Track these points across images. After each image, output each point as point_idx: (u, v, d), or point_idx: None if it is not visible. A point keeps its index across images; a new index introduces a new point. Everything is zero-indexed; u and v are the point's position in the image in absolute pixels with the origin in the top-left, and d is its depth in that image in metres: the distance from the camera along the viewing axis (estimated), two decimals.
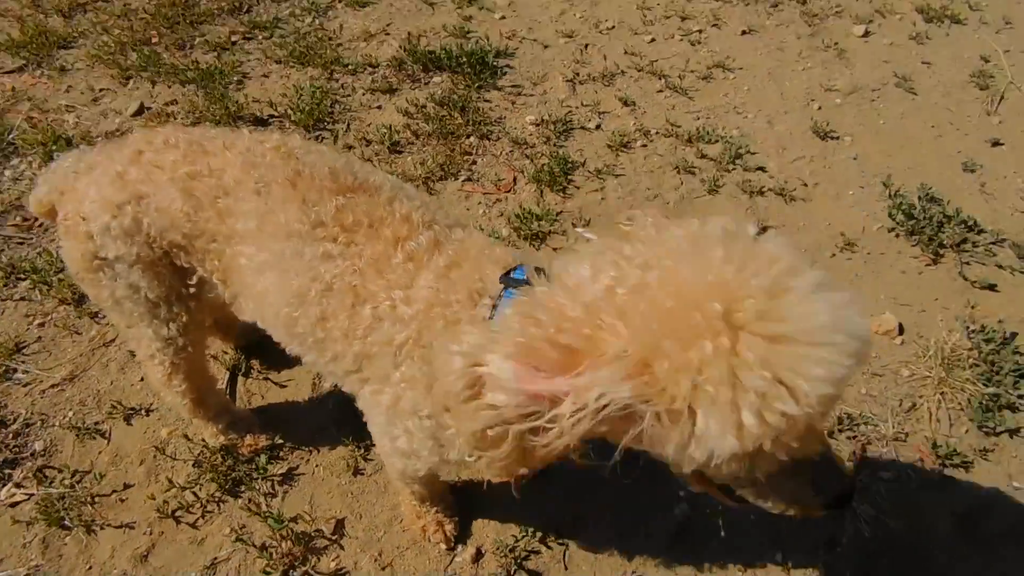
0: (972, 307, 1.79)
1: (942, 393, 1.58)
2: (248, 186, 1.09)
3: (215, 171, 1.11)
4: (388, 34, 2.61)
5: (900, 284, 1.86)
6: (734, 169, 2.15)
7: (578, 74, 2.48)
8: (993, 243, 1.94)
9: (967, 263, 1.89)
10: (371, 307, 0.99)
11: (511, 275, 0.93)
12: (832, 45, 2.70)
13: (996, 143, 2.29)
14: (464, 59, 2.42)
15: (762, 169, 2.16)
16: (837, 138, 2.30)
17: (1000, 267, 1.90)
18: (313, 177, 1.08)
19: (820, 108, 2.41)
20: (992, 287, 1.84)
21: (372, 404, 1.10)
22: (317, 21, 2.65)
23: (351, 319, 1.01)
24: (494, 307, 0.91)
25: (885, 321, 1.74)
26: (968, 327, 1.70)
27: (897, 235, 1.98)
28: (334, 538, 1.37)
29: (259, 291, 1.10)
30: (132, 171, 1.13)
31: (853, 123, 2.36)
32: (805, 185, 2.12)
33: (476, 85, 2.36)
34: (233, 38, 2.52)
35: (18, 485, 1.42)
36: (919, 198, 2.06)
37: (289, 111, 2.21)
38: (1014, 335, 1.68)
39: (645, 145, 2.22)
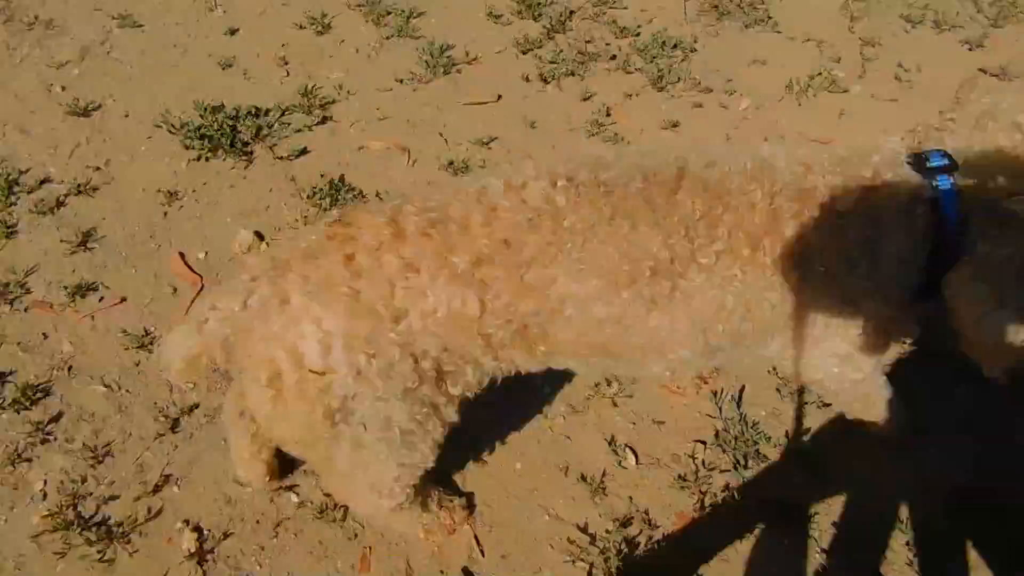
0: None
1: None
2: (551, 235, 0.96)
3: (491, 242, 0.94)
4: None
5: (237, 199, 2.07)
6: None
7: None
8: (282, 116, 2.27)
9: (273, 146, 2.18)
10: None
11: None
12: None
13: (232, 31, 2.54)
14: None
15: None
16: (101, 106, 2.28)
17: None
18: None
19: (65, 89, 2.33)
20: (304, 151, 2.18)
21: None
22: None
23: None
24: None
25: (242, 239, 1.95)
26: None
27: (208, 160, 2.14)
28: None
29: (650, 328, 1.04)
30: (364, 287, 0.92)
31: (103, 84, 2.36)
32: None
33: None
34: None
35: None
36: (201, 114, 2.22)
37: None
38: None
39: None
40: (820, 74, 2.48)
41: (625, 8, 2.76)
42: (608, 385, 1.74)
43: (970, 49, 2.59)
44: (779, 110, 2.41)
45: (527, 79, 2.50)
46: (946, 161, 1.04)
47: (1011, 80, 2.41)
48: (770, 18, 2.70)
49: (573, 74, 2.52)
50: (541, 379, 1.57)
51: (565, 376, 1.67)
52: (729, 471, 1.61)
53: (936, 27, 2.65)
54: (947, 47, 2.60)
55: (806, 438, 1.69)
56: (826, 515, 1.55)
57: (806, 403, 1.73)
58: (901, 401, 1.48)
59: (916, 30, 2.66)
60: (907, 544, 1.50)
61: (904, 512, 1.56)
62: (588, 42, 2.63)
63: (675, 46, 2.59)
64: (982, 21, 2.67)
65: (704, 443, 1.69)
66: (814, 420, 1.71)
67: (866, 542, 1.52)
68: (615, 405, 1.71)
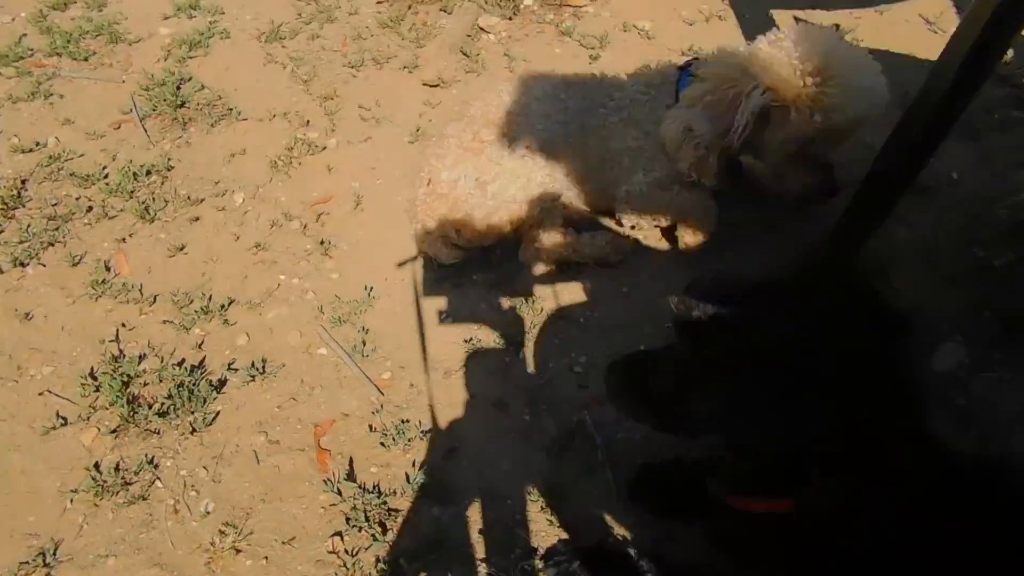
0: None
1: None
2: None
3: None
4: None
5: None
6: None
7: None
8: None
9: None
10: None
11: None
12: None
13: None
14: None
15: None
16: None
17: None
18: None
19: None
20: None
21: None
22: None
23: None
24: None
25: None
26: None
27: None
28: None
29: None
30: None
31: None
32: None
33: None
34: None
35: None
36: None
37: None
38: None
39: None
40: (296, 143, 2.55)
41: (81, 155, 2.56)
42: (224, 536, 1.66)
43: (409, 72, 2.85)
44: (274, 189, 2.44)
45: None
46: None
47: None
48: (231, 109, 2.71)
49: (52, 244, 2.28)
50: None
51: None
52: (371, 545, 1.65)
53: (376, 64, 2.88)
54: (392, 77, 2.84)
55: (426, 477, 1.75)
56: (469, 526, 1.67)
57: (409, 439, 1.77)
58: None
59: (362, 72, 2.86)
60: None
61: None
62: (55, 205, 2.40)
63: (149, 172, 2.48)
64: (409, 47, 2.96)
65: (340, 533, 1.69)
66: (416, 452, 1.74)
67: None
68: (239, 552, 1.65)
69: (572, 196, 2.19)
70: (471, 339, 2.02)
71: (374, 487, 1.77)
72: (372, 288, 2.16)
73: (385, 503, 1.74)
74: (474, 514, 1.71)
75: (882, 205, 1.87)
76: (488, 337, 2.02)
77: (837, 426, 0.86)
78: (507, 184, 2.03)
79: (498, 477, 1.76)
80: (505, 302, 2.10)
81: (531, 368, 1.96)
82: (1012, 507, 1.04)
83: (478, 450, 1.81)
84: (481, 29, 3.10)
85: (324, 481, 1.77)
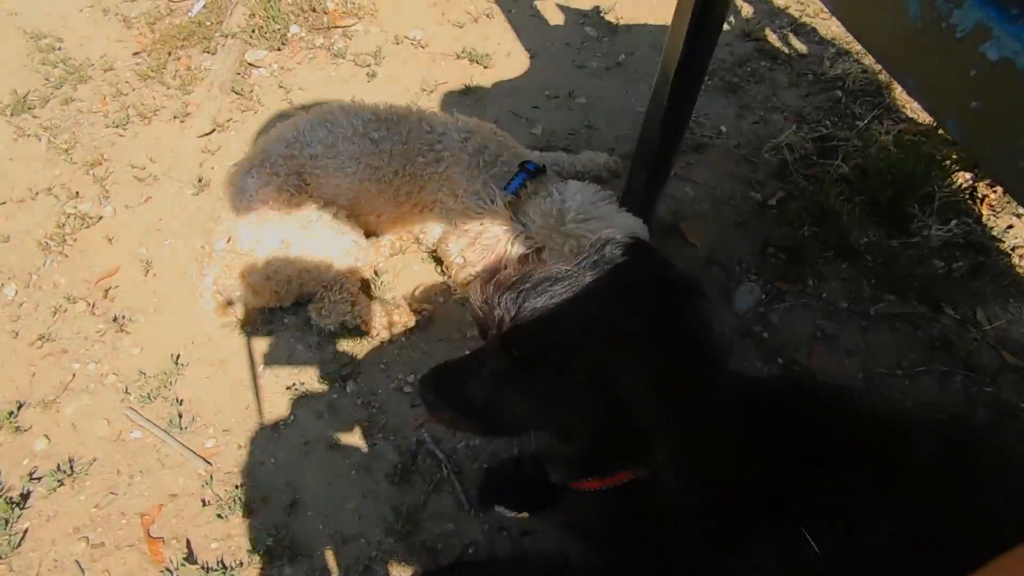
0: None
1: None
2: None
3: None
4: None
5: None
6: None
7: None
8: None
9: None
10: None
11: None
12: None
13: None
14: None
15: None
16: None
17: None
18: None
19: None
20: None
21: None
22: None
23: None
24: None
25: None
26: None
27: None
28: None
29: None
30: None
31: None
32: None
33: None
34: None
35: None
36: None
37: None
38: None
39: None
40: (67, 218, 2.35)
41: None
42: None
43: (181, 121, 2.70)
44: (51, 273, 2.25)
45: None
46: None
47: None
48: None
49: None
50: None
51: None
52: None
53: (143, 118, 2.71)
54: (163, 130, 2.70)
55: (271, 539, 1.61)
56: None
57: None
58: None
59: (129, 129, 2.69)
60: None
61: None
62: None
63: None
64: (176, 96, 2.81)
65: None
66: (256, 516, 1.65)
67: None
68: None
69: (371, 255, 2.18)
70: (293, 385, 1.95)
71: (218, 563, 1.66)
72: (179, 356, 2.03)
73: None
74: (329, 563, 1.65)
75: (658, 169, 1.97)
76: (310, 379, 1.96)
77: (650, 393, 0.89)
78: (312, 248, 1.98)
79: (345, 519, 1.71)
80: (320, 339, 2.04)
81: (360, 400, 1.92)
82: (815, 420, 1.15)
83: (320, 497, 1.75)
84: (250, 64, 2.99)
85: (161, 572, 1.63)
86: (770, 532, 1.21)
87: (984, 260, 2.30)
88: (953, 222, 2.35)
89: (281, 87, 2.90)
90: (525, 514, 1.68)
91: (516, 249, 1.91)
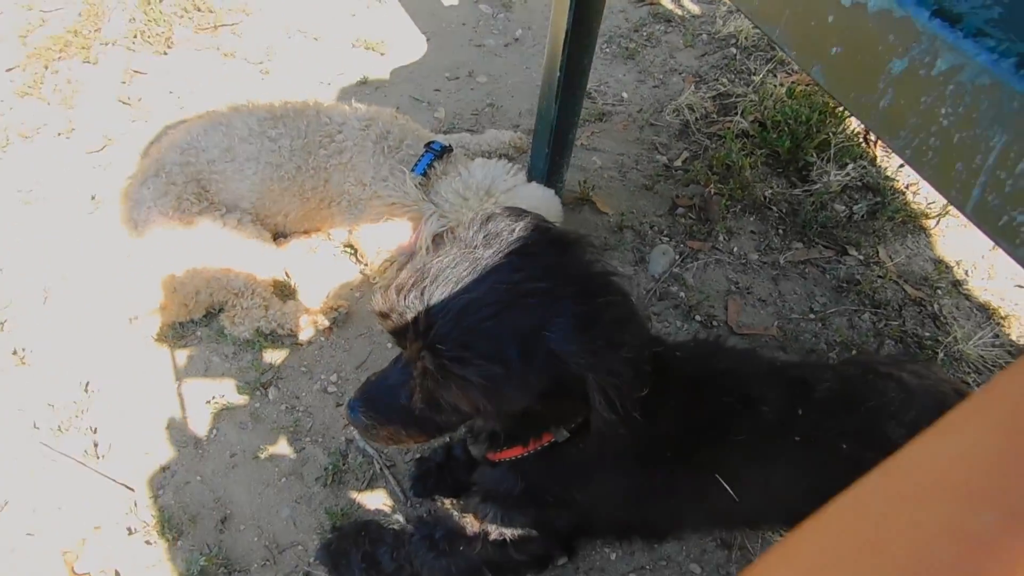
0: None
1: None
2: None
3: None
4: None
5: None
6: None
7: None
8: None
9: None
10: None
11: None
12: None
13: None
14: None
15: None
16: None
17: None
18: None
19: None
20: None
21: None
22: None
23: None
24: None
25: None
26: None
27: None
28: None
29: None
30: None
31: None
32: None
33: None
34: None
35: None
36: None
37: None
38: None
39: None
40: None
41: None
42: None
43: (67, 138, 2.57)
44: None
45: None
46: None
47: None
48: None
49: None
50: None
51: None
52: None
53: (24, 138, 2.57)
54: (48, 149, 2.57)
55: (205, 559, 1.56)
56: None
57: None
58: None
59: (9, 151, 2.54)
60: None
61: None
62: None
63: None
64: (59, 111, 2.67)
65: None
66: (186, 538, 1.60)
67: None
68: None
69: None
70: (213, 398, 1.89)
71: None
72: (88, 383, 1.94)
73: None
74: (266, 575, 1.61)
75: (560, 141, 1.97)
76: (229, 390, 1.90)
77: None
78: (218, 257, 1.92)
79: (280, 528, 1.67)
80: (236, 348, 1.98)
81: (283, 405, 1.87)
82: (721, 376, 1.20)
83: (252, 509, 1.70)
84: (136, 71, 2.86)
85: None
86: (686, 481, 1.25)
87: (881, 200, 2.39)
88: (850, 166, 2.43)
89: (171, 93, 2.78)
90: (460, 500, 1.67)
91: (430, 229, 1.89)
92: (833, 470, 1.23)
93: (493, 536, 1.39)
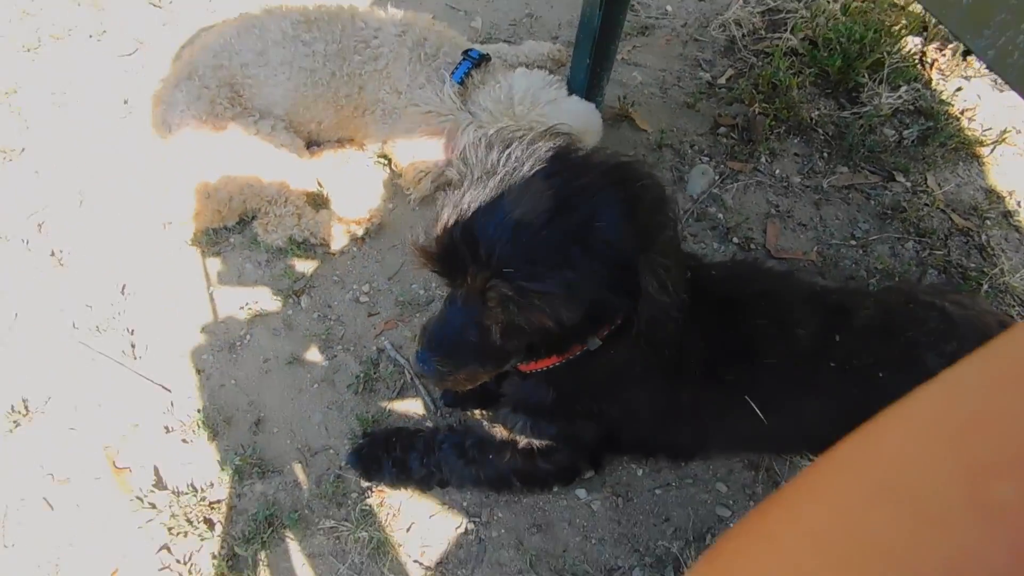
0: None
1: None
2: None
3: None
4: None
5: None
6: None
7: None
8: None
9: None
10: None
11: None
12: None
13: None
14: None
15: None
16: None
17: None
18: None
19: None
20: None
21: None
22: None
23: None
24: None
25: None
26: None
27: None
28: None
29: None
30: None
31: None
32: None
33: None
34: None
35: None
36: None
37: None
38: None
39: None
40: None
41: None
42: None
43: (98, 41, 2.53)
44: None
45: None
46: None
47: None
48: None
49: None
50: None
51: None
52: (201, 545, 1.58)
53: (56, 40, 2.53)
54: (79, 51, 2.55)
55: (239, 459, 1.59)
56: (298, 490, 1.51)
57: None
58: None
59: (40, 56, 2.50)
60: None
61: None
62: None
63: None
64: (89, 11, 2.62)
65: (167, 546, 1.60)
66: (222, 438, 1.63)
67: None
68: None
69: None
70: (246, 304, 1.90)
71: (189, 486, 1.66)
72: (124, 285, 1.96)
73: (204, 499, 1.64)
74: (299, 476, 1.65)
75: (601, 54, 1.90)
76: (263, 297, 1.91)
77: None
78: (251, 164, 1.91)
79: (312, 432, 1.70)
80: (269, 256, 1.98)
81: (316, 313, 1.88)
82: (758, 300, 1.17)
83: (285, 413, 1.73)
84: None
85: (132, 501, 1.62)
86: (715, 401, 1.24)
87: (934, 125, 2.29)
88: (903, 88, 2.32)
89: None
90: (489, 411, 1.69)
91: (467, 139, 1.85)
92: (868, 399, 1.21)
93: (522, 445, 1.41)
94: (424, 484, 1.57)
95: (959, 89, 2.37)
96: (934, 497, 0.22)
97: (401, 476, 1.55)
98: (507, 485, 1.51)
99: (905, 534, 0.22)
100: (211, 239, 2.02)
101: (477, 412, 1.70)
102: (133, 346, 1.87)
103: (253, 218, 2.00)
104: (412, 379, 1.75)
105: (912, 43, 2.43)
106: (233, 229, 2.03)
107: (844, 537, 0.25)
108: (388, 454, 1.56)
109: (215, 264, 1.98)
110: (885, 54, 2.34)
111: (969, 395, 0.25)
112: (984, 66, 2.33)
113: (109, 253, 2.03)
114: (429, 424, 1.70)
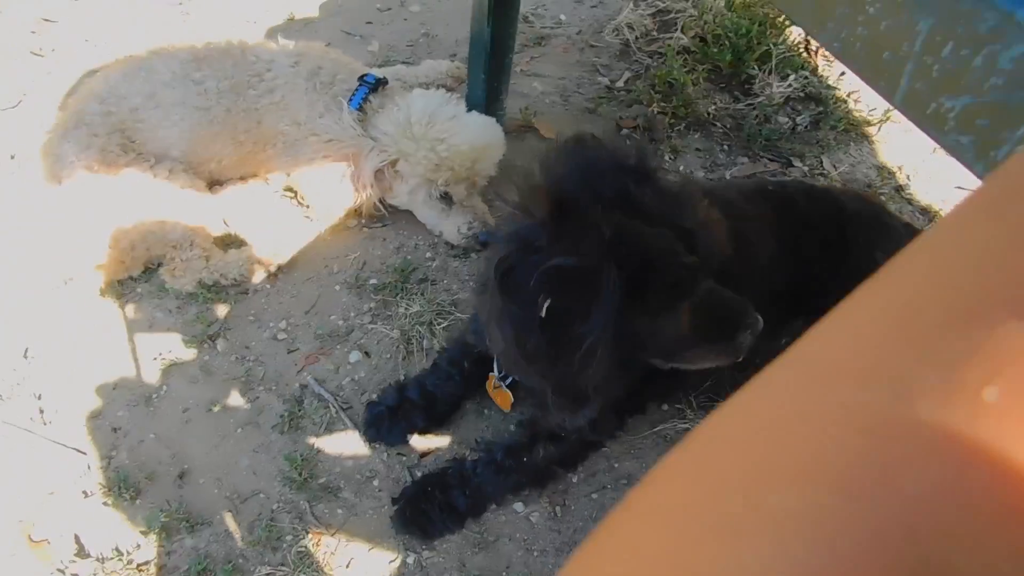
0: None
1: None
2: None
3: None
4: None
5: None
6: None
7: None
8: None
9: None
10: None
11: None
12: None
13: None
14: None
15: None
16: None
17: None
18: None
19: None
20: None
21: None
22: None
23: None
24: None
25: None
26: None
27: None
28: None
29: None
30: None
31: None
32: None
33: None
34: None
35: None
36: None
37: None
38: None
39: None
40: None
41: None
42: None
43: None
44: None
45: None
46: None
47: None
48: None
49: None
50: None
51: None
52: None
53: None
54: None
55: (164, 515, 1.54)
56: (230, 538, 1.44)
57: None
58: None
59: None
60: None
61: None
62: None
63: None
64: None
65: None
66: (144, 496, 1.57)
67: None
68: None
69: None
70: (160, 354, 1.84)
71: (113, 551, 1.59)
72: (27, 349, 1.87)
73: (131, 561, 1.57)
74: (230, 525, 1.60)
75: (495, 67, 1.92)
76: (177, 344, 1.85)
77: None
78: (151, 209, 1.85)
79: (240, 479, 1.66)
80: (180, 302, 1.92)
81: (234, 356, 1.84)
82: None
83: (210, 462, 1.68)
84: (46, 20, 2.69)
85: (53, 574, 1.55)
86: None
87: (824, 110, 2.39)
88: (792, 77, 2.42)
89: (87, 41, 2.63)
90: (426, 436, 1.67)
91: (371, 164, 1.85)
92: None
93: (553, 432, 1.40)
94: (474, 514, 1.54)
95: (843, 74, 2.48)
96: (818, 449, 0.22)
97: (452, 517, 1.52)
98: (551, 476, 1.54)
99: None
100: (117, 291, 1.95)
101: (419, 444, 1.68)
102: (42, 411, 1.78)
103: (159, 265, 1.94)
104: (338, 412, 1.72)
105: (796, 33, 2.53)
106: (139, 278, 1.97)
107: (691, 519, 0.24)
108: (431, 503, 1.51)
109: (123, 316, 1.91)
110: (771, 45, 2.43)
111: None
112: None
113: (6, 317, 1.94)
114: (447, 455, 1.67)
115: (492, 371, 1.56)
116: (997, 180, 0.24)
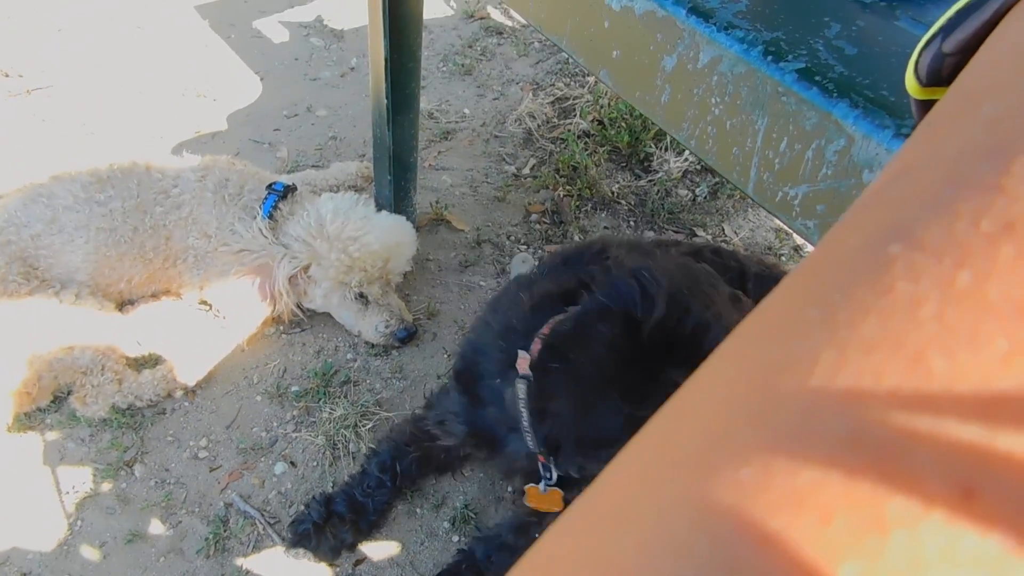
0: None
1: None
2: None
3: None
4: None
5: None
6: None
7: None
8: None
9: None
10: None
11: None
12: None
13: None
14: None
15: None
16: None
17: None
18: None
19: None
20: None
21: None
22: None
23: None
24: None
25: None
26: None
27: None
28: None
29: None
30: None
31: None
32: None
33: None
34: None
35: None
36: None
37: None
38: None
39: None
40: None
41: None
42: None
43: None
44: None
45: None
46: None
47: None
48: None
49: None
50: None
51: None
52: None
53: None
54: None
55: None
56: None
57: None
58: None
59: None
60: None
61: None
62: None
63: None
64: None
65: None
66: None
67: None
68: None
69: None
70: (72, 488, 1.76)
71: None
72: None
73: None
74: None
75: (400, 166, 1.97)
76: (90, 475, 1.78)
77: None
78: (56, 337, 1.80)
79: None
80: (92, 429, 1.85)
81: (152, 480, 1.77)
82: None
83: None
84: None
85: None
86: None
87: (720, 180, 2.52)
88: (687, 152, 2.55)
89: None
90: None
91: (283, 271, 1.85)
92: None
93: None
94: None
95: None
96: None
97: None
98: None
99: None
100: (23, 424, 1.86)
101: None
102: None
103: (69, 392, 1.87)
104: (265, 529, 1.67)
105: None
106: (47, 409, 1.89)
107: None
108: None
109: (29, 451, 1.83)
110: None
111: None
112: None
113: None
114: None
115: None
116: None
